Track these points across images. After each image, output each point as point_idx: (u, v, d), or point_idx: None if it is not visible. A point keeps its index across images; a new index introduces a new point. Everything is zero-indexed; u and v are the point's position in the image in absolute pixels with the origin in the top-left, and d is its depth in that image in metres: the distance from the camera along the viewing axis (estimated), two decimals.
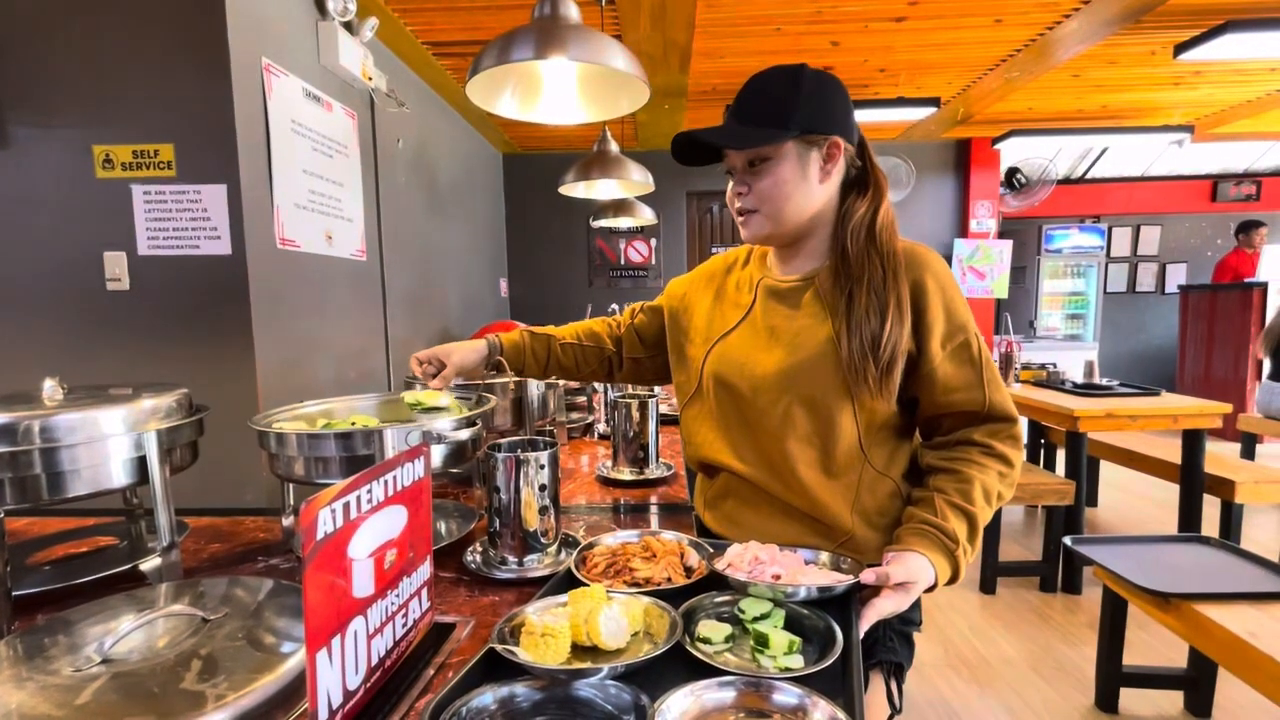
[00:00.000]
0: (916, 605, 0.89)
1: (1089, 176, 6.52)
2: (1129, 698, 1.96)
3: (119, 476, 0.83)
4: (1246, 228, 5.30)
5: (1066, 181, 6.54)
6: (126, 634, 0.61)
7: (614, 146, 2.62)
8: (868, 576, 0.75)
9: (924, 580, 0.78)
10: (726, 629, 0.70)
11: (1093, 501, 3.67)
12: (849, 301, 0.86)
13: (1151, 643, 2.26)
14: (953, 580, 0.82)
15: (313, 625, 0.51)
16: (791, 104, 0.85)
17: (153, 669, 0.58)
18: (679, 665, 0.64)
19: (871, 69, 3.84)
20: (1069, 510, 2.68)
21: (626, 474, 1.39)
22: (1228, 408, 2.69)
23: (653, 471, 1.40)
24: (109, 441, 0.82)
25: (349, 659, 0.56)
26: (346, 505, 0.55)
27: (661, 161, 4.87)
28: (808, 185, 0.88)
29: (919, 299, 0.86)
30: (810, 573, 0.80)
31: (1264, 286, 4.87)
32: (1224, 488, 2.62)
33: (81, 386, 0.93)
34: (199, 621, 0.66)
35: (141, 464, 0.84)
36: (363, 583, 0.59)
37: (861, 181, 0.91)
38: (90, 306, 2.04)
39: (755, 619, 0.72)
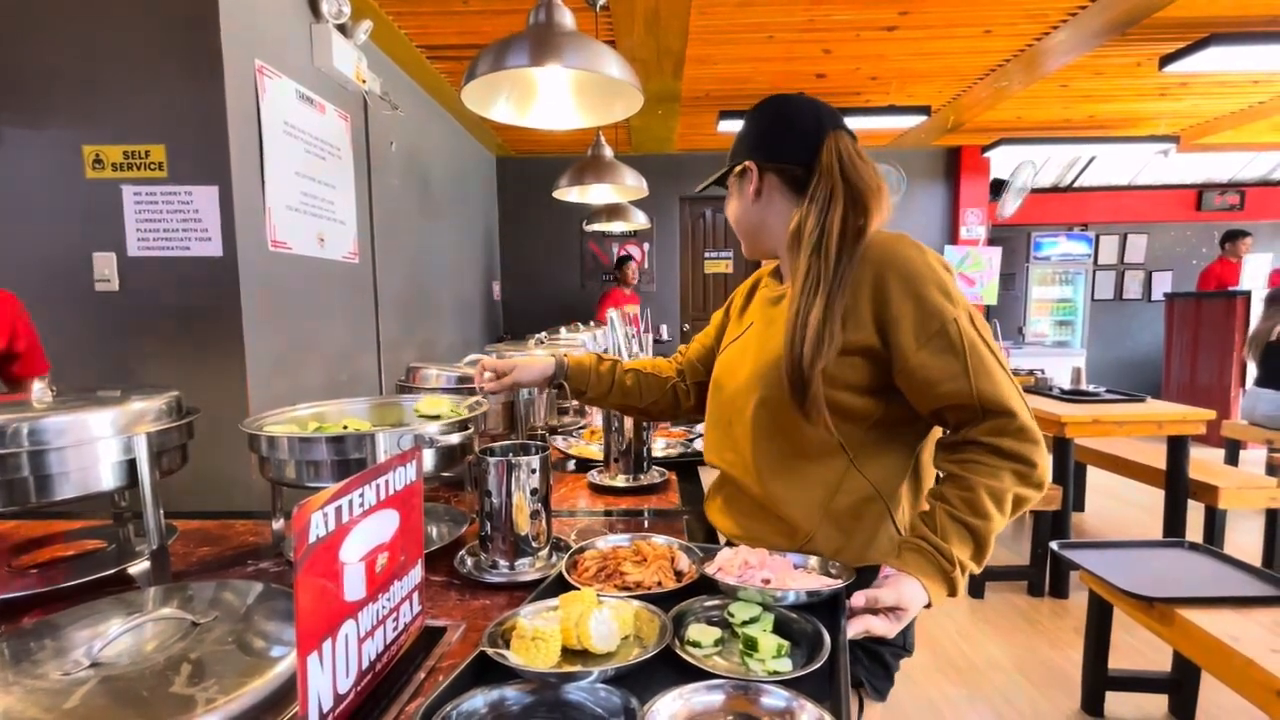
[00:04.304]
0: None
1: (1076, 185, 6.61)
2: (1114, 701, 1.98)
3: (108, 479, 0.83)
4: (1232, 237, 5.38)
5: (1055, 190, 6.62)
6: (115, 638, 0.61)
7: (607, 151, 2.63)
8: (857, 600, 0.75)
9: (915, 607, 0.77)
10: (716, 633, 0.71)
11: (1079, 506, 3.70)
12: (791, 306, 0.87)
13: (1137, 646, 2.28)
14: (950, 596, 0.81)
15: (304, 629, 0.51)
16: (735, 143, 0.99)
17: (142, 673, 0.58)
18: (668, 669, 0.64)
19: (863, 77, 3.88)
20: (1056, 515, 2.70)
21: (620, 481, 1.39)
22: (1211, 414, 2.73)
23: (645, 478, 1.40)
24: (98, 444, 0.81)
25: (340, 662, 0.57)
26: (339, 509, 0.56)
27: (655, 166, 4.87)
28: (740, 207, 0.99)
29: (880, 294, 0.83)
30: (799, 577, 0.80)
31: (1247, 295, 4.94)
32: (1208, 493, 2.65)
33: (71, 389, 0.93)
34: (188, 625, 0.65)
35: (131, 467, 0.84)
36: (354, 586, 0.59)
37: (808, 185, 0.91)
38: (79, 307, 2.03)
39: (744, 623, 0.72)
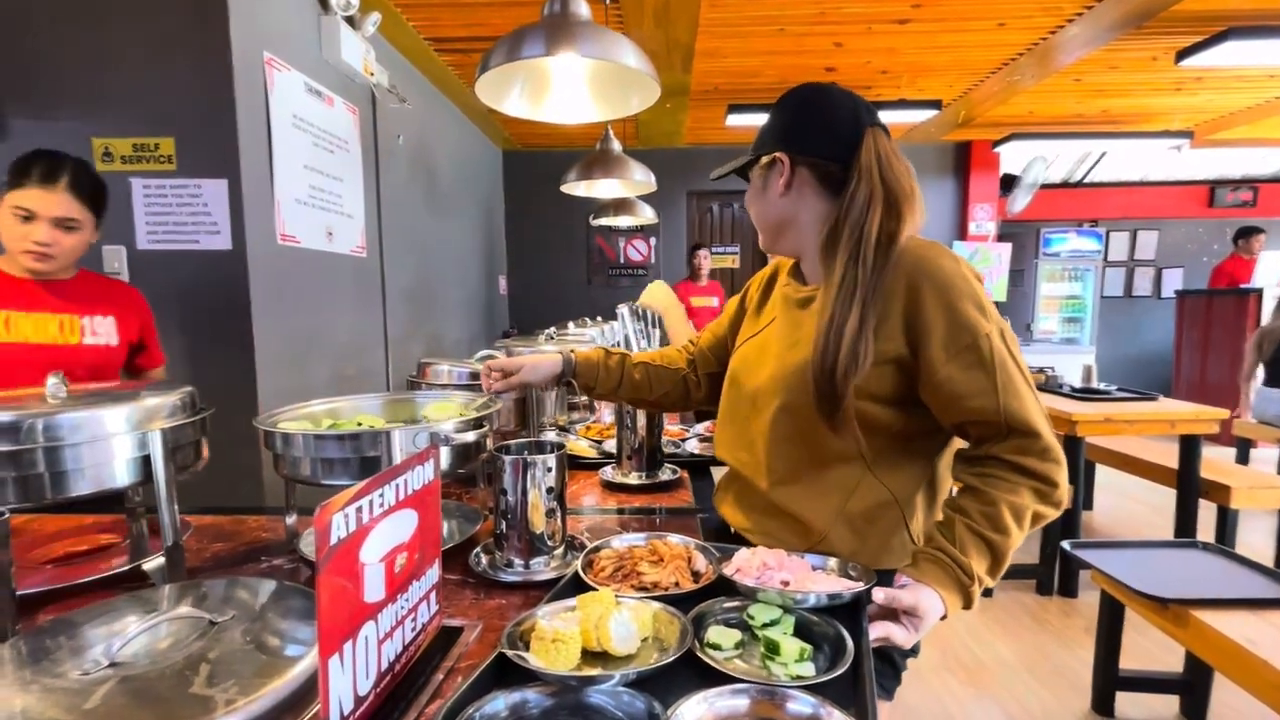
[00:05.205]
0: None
1: (1087, 180, 6.54)
2: (1125, 701, 1.97)
3: (123, 476, 0.82)
4: (1246, 234, 5.32)
5: (1065, 185, 6.56)
6: (134, 637, 0.60)
7: (616, 146, 2.61)
8: (878, 596, 0.75)
9: (932, 616, 0.77)
10: (736, 635, 0.70)
11: (1089, 505, 3.69)
12: (824, 314, 0.83)
13: (1148, 647, 2.27)
14: (966, 608, 0.81)
15: (325, 630, 0.51)
16: (763, 131, 0.94)
17: (161, 672, 0.57)
18: (689, 672, 0.63)
19: (874, 70, 3.84)
20: (1066, 514, 2.68)
21: (633, 478, 1.38)
22: (1225, 414, 2.71)
23: (659, 476, 1.39)
24: (113, 440, 0.81)
25: (360, 664, 0.56)
26: (359, 510, 0.55)
27: (662, 160, 4.83)
28: (766, 200, 0.94)
29: (913, 304, 0.81)
30: (819, 579, 0.79)
31: (1259, 292, 4.90)
32: (1220, 493, 2.63)
33: (85, 384, 0.92)
34: (205, 624, 0.65)
35: (146, 463, 0.83)
36: (374, 587, 0.58)
37: (844, 184, 0.87)
38: None
39: (764, 625, 0.72)
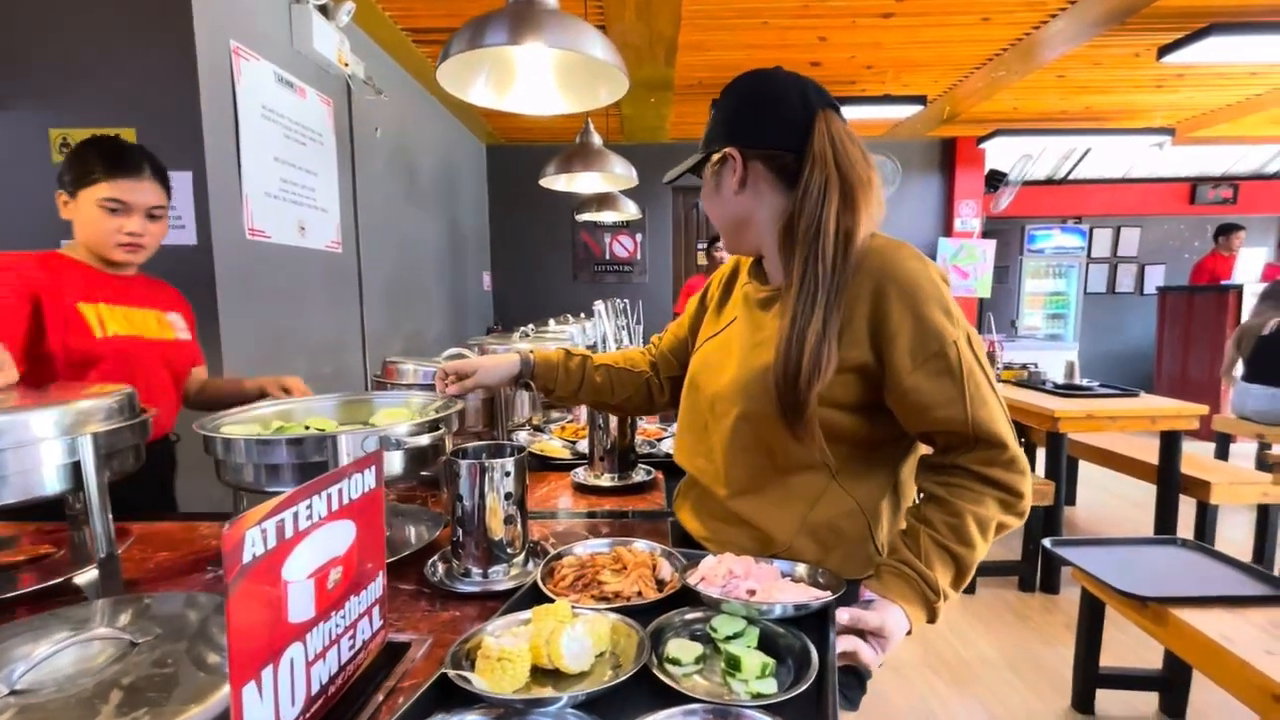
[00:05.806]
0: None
1: (1071, 178, 6.58)
2: (1105, 699, 1.97)
3: (52, 483, 0.77)
4: (1226, 230, 5.37)
5: (1049, 182, 6.59)
6: (40, 661, 0.56)
7: (596, 139, 2.57)
8: (843, 618, 0.73)
9: (899, 634, 0.76)
10: (697, 649, 0.67)
11: (1071, 501, 3.70)
12: (785, 317, 0.80)
13: (1128, 643, 2.27)
14: (930, 622, 0.79)
15: (239, 657, 0.47)
16: (710, 127, 0.89)
17: (66, 701, 0.53)
18: (645, 689, 0.60)
19: (858, 65, 3.82)
20: (1048, 510, 2.68)
21: (605, 480, 1.35)
22: (1204, 410, 2.71)
23: (632, 477, 1.35)
24: (40, 446, 0.76)
25: (284, 690, 0.52)
26: (280, 523, 0.51)
27: (647, 155, 4.80)
28: (721, 200, 0.89)
29: (879, 308, 0.77)
30: (786, 587, 0.76)
31: (1239, 289, 4.94)
32: (1200, 488, 2.63)
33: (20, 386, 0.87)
34: (126, 645, 0.61)
35: (78, 470, 0.78)
36: (301, 606, 0.54)
37: (799, 175, 0.82)
38: None
39: (727, 638, 0.68)
